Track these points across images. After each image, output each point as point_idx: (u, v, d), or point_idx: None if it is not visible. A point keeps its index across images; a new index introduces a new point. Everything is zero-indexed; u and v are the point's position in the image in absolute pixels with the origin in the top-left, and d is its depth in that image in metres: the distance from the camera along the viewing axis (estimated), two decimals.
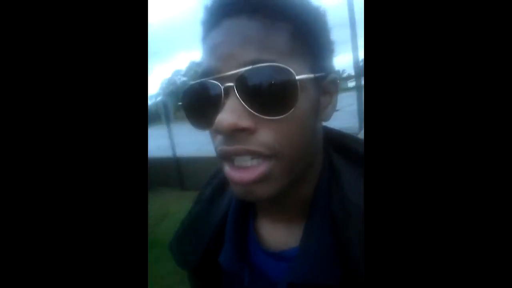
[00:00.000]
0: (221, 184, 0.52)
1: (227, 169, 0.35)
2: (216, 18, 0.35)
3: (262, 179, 0.33)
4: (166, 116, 6.44)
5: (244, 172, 0.33)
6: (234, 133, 0.32)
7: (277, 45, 0.33)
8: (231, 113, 0.32)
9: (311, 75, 0.34)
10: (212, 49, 0.35)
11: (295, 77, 0.32)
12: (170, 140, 5.46)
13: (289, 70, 0.31)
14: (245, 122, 0.32)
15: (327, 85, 0.38)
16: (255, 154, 0.33)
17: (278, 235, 0.43)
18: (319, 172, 0.41)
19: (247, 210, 0.47)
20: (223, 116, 0.32)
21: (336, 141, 0.44)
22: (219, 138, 0.35)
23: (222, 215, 0.48)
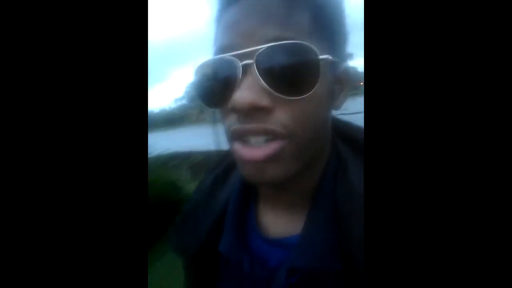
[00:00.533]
0: (222, 173, 0.52)
1: (238, 148, 0.34)
2: None
3: (274, 158, 0.32)
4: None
5: (257, 150, 0.32)
6: (251, 112, 0.31)
7: (299, 24, 0.32)
8: (250, 91, 0.31)
9: (330, 58, 0.33)
10: (230, 26, 0.34)
11: (318, 57, 0.31)
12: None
13: (312, 49, 0.31)
14: (264, 101, 0.31)
15: (340, 74, 0.37)
16: (271, 134, 0.32)
17: (279, 222, 0.43)
18: (326, 161, 0.41)
19: (249, 198, 0.47)
20: (242, 94, 0.30)
21: (345, 132, 0.44)
22: (233, 117, 0.33)
23: (223, 203, 0.47)
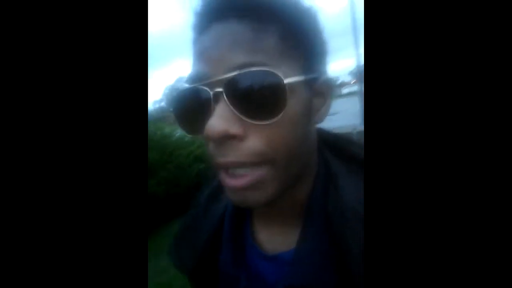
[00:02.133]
0: (218, 188, 0.52)
1: (222, 176, 0.35)
2: (205, 22, 0.35)
3: (254, 186, 0.33)
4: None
5: (238, 179, 0.33)
6: (224, 140, 0.32)
7: (266, 47, 0.32)
8: (221, 119, 0.31)
9: (301, 77, 0.33)
10: (200, 54, 0.34)
11: (283, 81, 0.31)
12: None
13: (276, 74, 0.31)
14: (235, 129, 0.31)
15: (320, 87, 0.37)
16: (250, 165, 0.32)
17: (274, 238, 0.43)
18: (314, 175, 0.41)
19: (243, 214, 0.47)
20: (212, 122, 0.31)
21: (332, 143, 0.44)
22: (211, 144, 0.34)
23: (219, 218, 0.48)
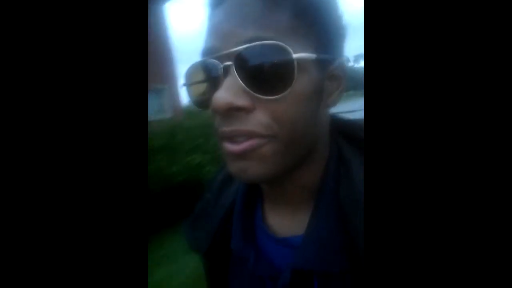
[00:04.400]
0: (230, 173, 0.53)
1: (224, 145, 0.35)
2: None
3: (255, 156, 0.33)
4: None
5: (237, 145, 0.33)
6: (230, 113, 0.32)
7: (278, 23, 0.32)
8: (228, 91, 0.31)
9: (312, 55, 0.33)
10: (212, 27, 0.35)
11: (292, 56, 0.31)
12: None
13: (285, 48, 0.31)
14: (241, 101, 0.32)
15: (334, 69, 0.37)
16: (252, 134, 0.32)
17: (284, 222, 0.43)
18: (326, 160, 0.40)
19: (255, 196, 0.47)
20: (219, 94, 0.31)
21: (346, 129, 0.43)
22: (218, 118, 0.34)
23: (231, 202, 0.48)
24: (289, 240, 0.41)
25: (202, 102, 0.37)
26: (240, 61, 0.31)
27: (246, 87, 0.31)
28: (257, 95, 0.31)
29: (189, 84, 0.38)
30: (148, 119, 0.38)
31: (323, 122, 0.39)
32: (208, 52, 0.34)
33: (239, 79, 0.31)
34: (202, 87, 0.36)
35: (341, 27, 0.38)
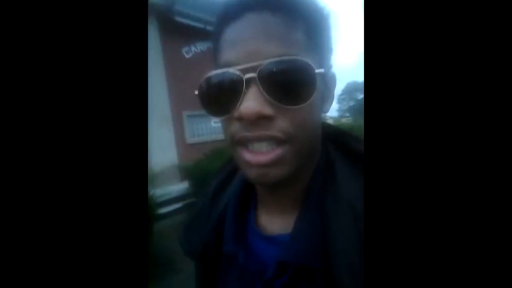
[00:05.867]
0: (225, 179, 0.56)
1: (243, 153, 0.38)
2: (239, 11, 0.37)
3: (277, 162, 0.37)
4: None
5: (261, 155, 0.36)
6: (257, 120, 0.35)
7: (296, 40, 0.36)
8: (256, 101, 0.34)
9: (321, 70, 0.37)
10: (233, 41, 0.37)
11: (314, 71, 0.35)
12: None
13: (309, 64, 0.35)
14: (268, 110, 0.35)
15: (328, 80, 0.43)
16: (274, 139, 0.36)
17: (275, 221, 0.47)
18: (316, 162, 0.45)
19: (248, 201, 0.51)
20: (248, 104, 0.34)
21: (334, 136, 0.48)
22: (237, 125, 0.37)
23: (224, 205, 0.51)
24: (277, 238, 0.45)
25: (219, 110, 0.39)
26: (265, 74, 0.35)
27: (269, 97, 0.35)
28: (280, 104, 0.35)
29: (205, 93, 0.39)
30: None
31: (319, 127, 0.44)
32: (229, 64, 0.37)
33: (262, 90, 0.35)
34: (219, 96, 0.38)
35: (332, 41, 0.43)
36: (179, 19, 4.51)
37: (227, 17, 0.39)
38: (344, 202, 0.39)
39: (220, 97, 0.38)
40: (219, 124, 0.41)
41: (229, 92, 0.36)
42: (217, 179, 0.57)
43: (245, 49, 0.36)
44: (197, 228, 0.53)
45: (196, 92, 0.40)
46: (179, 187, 4.45)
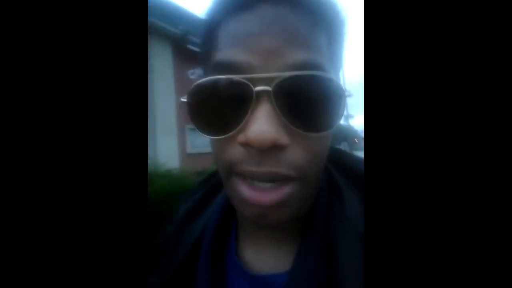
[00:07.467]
0: (198, 203, 0.45)
1: (241, 188, 0.29)
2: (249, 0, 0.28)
3: (281, 204, 0.28)
4: None
5: (264, 194, 0.28)
6: (270, 150, 0.26)
7: (321, 47, 0.28)
8: (270, 125, 0.26)
9: (348, 91, 0.30)
10: (244, 38, 0.28)
11: (345, 93, 0.28)
12: None
13: (340, 85, 0.27)
14: (284, 138, 0.27)
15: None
16: (285, 179, 0.28)
17: (265, 257, 0.37)
18: (318, 188, 0.37)
19: (228, 229, 0.41)
20: (262, 128, 0.25)
21: (336, 159, 0.41)
22: (238, 152, 0.28)
23: (199, 235, 0.41)
24: (270, 279, 0.35)
25: (215, 128, 0.29)
26: (283, 89, 0.26)
27: (285, 120, 0.26)
28: (299, 130, 0.27)
29: (195, 103, 0.29)
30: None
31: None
32: (235, 68, 0.27)
33: (278, 110, 0.26)
34: (218, 110, 0.28)
35: (344, 51, 0.36)
36: (190, 47, 5.22)
37: (233, 3, 0.29)
38: (355, 230, 0.32)
39: (217, 111, 0.28)
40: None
41: (231, 106, 0.27)
42: (190, 202, 0.46)
43: (257, 49, 0.27)
44: (160, 263, 0.42)
45: (184, 99, 0.29)
46: None
